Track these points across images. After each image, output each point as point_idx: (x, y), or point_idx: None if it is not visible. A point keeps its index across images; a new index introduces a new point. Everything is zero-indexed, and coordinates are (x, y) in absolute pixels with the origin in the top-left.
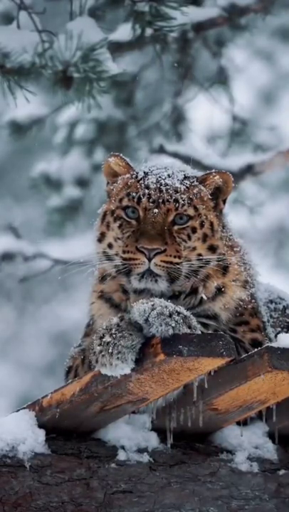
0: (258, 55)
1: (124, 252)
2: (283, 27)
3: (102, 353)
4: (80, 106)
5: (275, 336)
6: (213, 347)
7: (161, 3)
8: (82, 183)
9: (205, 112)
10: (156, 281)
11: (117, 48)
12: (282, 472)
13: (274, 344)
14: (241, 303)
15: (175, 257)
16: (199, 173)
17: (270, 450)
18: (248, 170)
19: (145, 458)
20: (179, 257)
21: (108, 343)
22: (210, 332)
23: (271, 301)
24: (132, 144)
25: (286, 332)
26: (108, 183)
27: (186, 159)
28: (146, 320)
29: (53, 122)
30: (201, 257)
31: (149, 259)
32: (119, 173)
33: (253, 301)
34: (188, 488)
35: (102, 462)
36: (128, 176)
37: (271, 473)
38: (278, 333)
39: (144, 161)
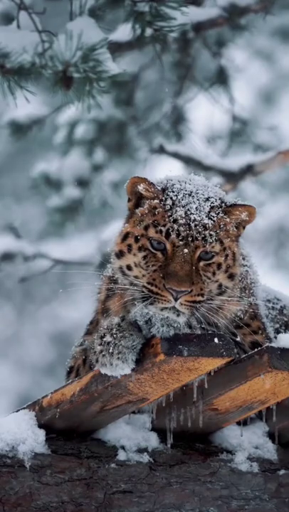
0: (258, 55)
1: (149, 283)
2: (283, 27)
3: (103, 353)
4: (80, 106)
5: (275, 331)
6: (213, 347)
7: (161, 3)
8: (82, 183)
9: (205, 112)
10: (178, 315)
11: (117, 48)
12: (282, 472)
13: (274, 344)
14: (239, 312)
15: (198, 295)
16: (220, 191)
17: (270, 450)
18: (248, 170)
19: (145, 458)
20: (202, 295)
21: (109, 342)
22: (210, 332)
23: (269, 301)
24: (132, 144)
25: (284, 330)
26: (129, 199)
27: (186, 159)
28: (149, 320)
29: (53, 122)
30: (220, 288)
31: (176, 299)
32: (146, 198)
33: (253, 304)
34: (189, 488)
35: (102, 462)
36: (156, 201)
37: (271, 473)
38: (277, 330)
39: (144, 161)
